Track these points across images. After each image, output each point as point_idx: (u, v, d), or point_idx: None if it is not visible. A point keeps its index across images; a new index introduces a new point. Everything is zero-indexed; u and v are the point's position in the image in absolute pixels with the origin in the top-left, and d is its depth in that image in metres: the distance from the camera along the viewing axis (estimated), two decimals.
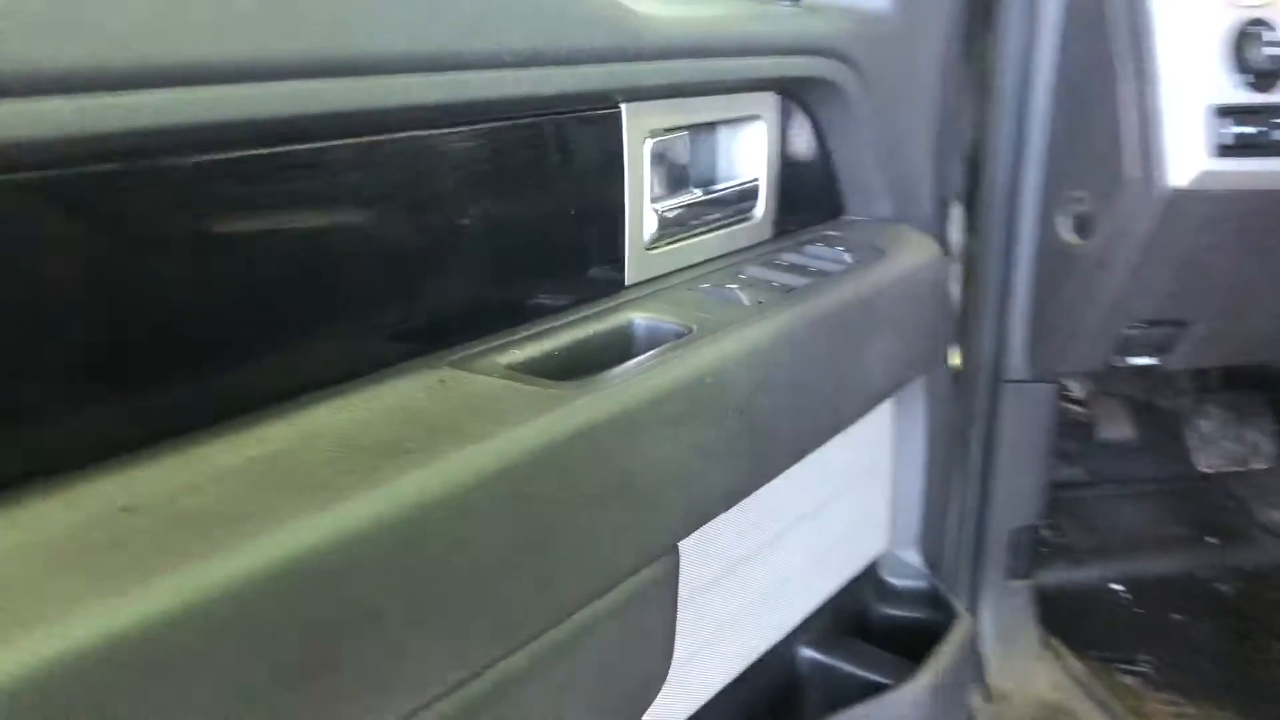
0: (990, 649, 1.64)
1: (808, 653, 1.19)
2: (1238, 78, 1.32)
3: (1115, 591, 1.89)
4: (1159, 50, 1.31)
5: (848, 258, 0.99)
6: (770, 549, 1.08)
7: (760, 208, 1.00)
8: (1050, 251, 1.48)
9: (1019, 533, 1.64)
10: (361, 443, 0.55)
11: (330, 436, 0.56)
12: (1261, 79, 1.33)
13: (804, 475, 1.10)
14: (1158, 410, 2.06)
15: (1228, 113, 1.32)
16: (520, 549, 0.57)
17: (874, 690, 1.13)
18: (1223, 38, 1.31)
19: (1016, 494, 1.61)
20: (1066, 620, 1.74)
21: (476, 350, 0.69)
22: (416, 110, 0.63)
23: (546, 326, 0.75)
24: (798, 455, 0.88)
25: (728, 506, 0.80)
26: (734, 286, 0.87)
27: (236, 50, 0.52)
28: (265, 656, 0.45)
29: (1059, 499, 1.96)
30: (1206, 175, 1.32)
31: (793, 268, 0.94)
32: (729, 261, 0.95)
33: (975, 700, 1.60)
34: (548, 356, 0.72)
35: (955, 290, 1.52)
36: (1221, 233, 1.41)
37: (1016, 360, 1.54)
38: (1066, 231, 1.46)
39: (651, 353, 0.74)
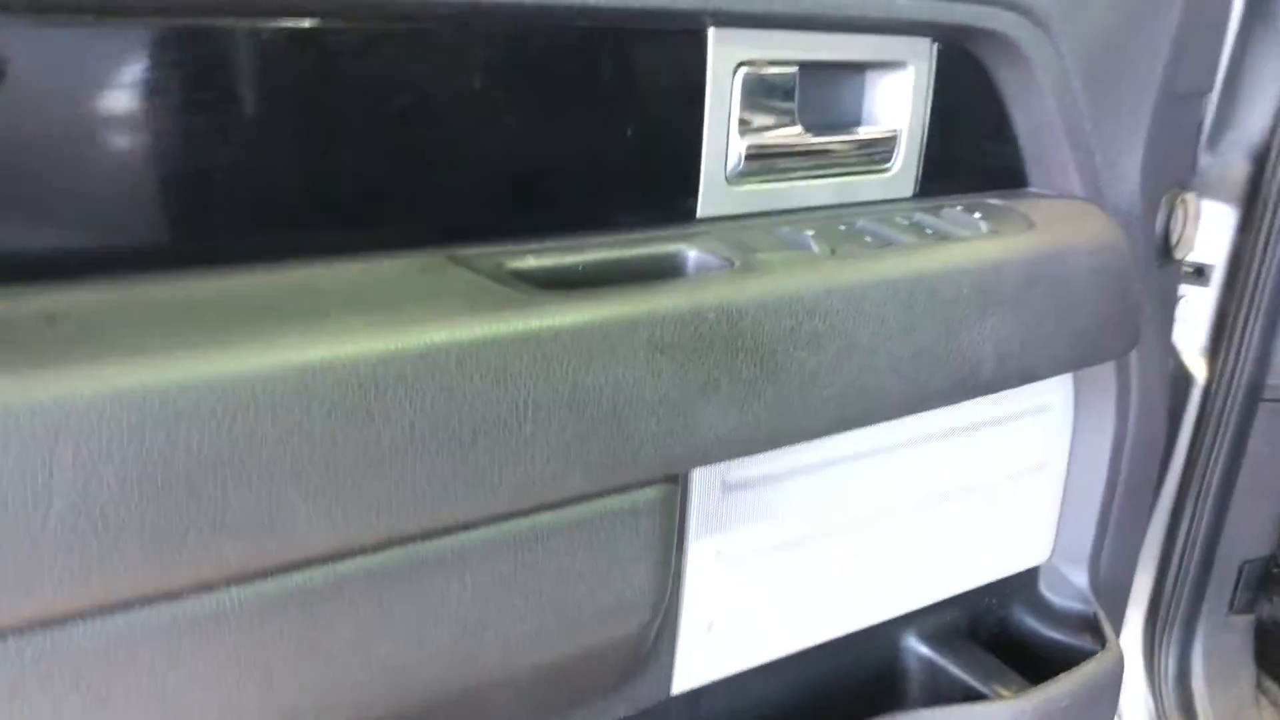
0: (1199, 684, 1.50)
1: (915, 644, 1.15)
2: None
3: None
4: None
5: (983, 226, 0.93)
6: (887, 524, 1.06)
7: (898, 162, 0.96)
8: None
9: (1251, 564, 1.48)
10: (287, 305, 0.62)
11: (280, 290, 0.64)
12: None
13: (941, 457, 1.07)
14: None
15: None
16: (436, 438, 0.62)
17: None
18: None
19: (1255, 523, 1.45)
20: None
21: (494, 250, 0.74)
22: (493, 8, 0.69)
23: (585, 242, 0.78)
24: (854, 422, 0.86)
25: (741, 453, 0.80)
26: (811, 233, 0.85)
27: None
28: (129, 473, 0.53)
29: None
30: None
31: (911, 228, 0.90)
32: (839, 211, 0.92)
33: None
34: (566, 269, 0.75)
35: (1206, 299, 1.38)
36: None
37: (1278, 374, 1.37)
38: None
39: (666, 280, 0.75)
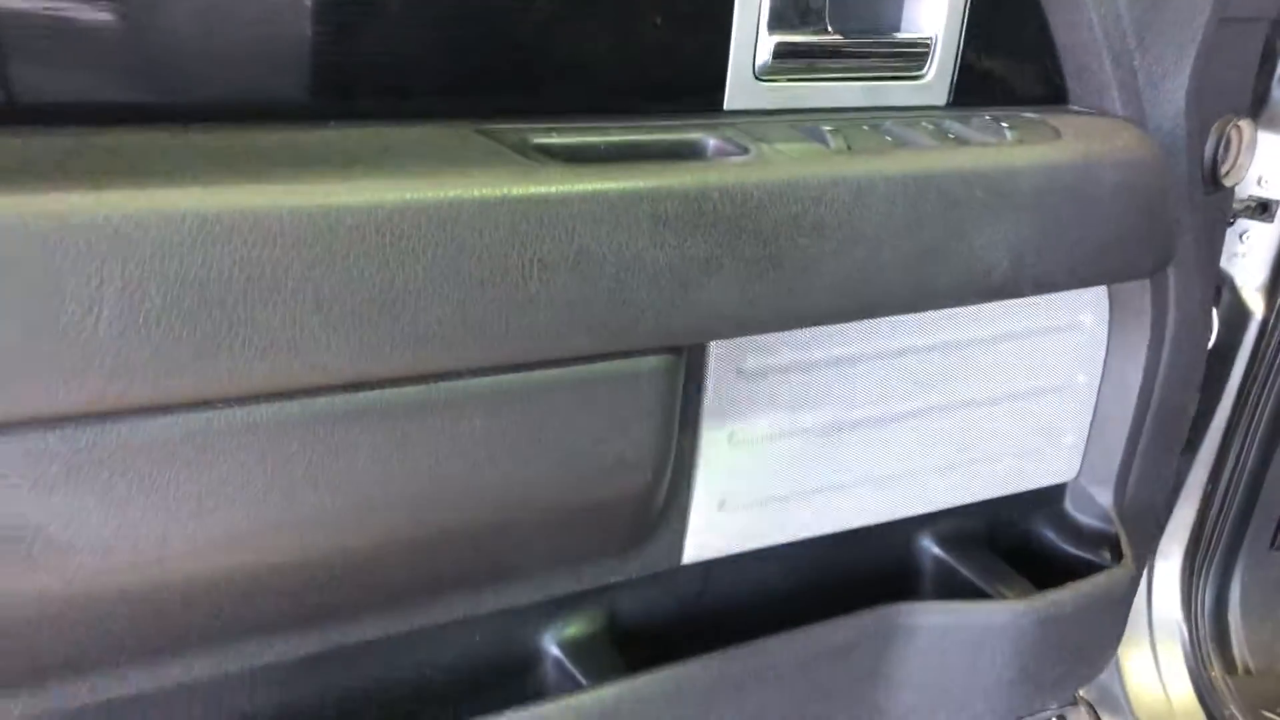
0: (1236, 621, 1.51)
1: (930, 546, 1.20)
2: None
3: None
4: None
5: (1007, 134, 0.96)
6: (907, 425, 1.10)
7: (932, 70, 0.99)
8: None
9: None
10: (321, 157, 0.70)
11: (315, 145, 0.71)
12: None
13: (966, 365, 1.11)
14: None
15: None
16: (446, 285, 0.69)
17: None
18: None
19: None
20: None
21: (522, 127, 0.80)
22: None
23: (611, 124, 0.84)
24: (858, 312, 0.90)
25: (741, 332, 0.86)
26: (830, 129, 0.89)
27: None
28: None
29: None
30: None
31: (934, 132, 0.94)
32: (868, 114, 0.96)
33: (1214, 671, 1.50)
34: (588, 148, 0.81)
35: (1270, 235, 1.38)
36: None
37: None
38: None
39: (676, 160, 0.81)
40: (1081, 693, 1.54)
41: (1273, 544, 1.52)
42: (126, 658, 0.78)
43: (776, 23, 0.90)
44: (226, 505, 0.70)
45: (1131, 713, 1.49)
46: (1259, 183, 1.38)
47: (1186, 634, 1.51)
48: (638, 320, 0.77)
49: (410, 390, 0.74)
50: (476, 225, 0.70)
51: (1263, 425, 1.43)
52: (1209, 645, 1.50)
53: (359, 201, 0.66)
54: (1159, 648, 1.53)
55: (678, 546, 1.01)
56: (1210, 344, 1.42)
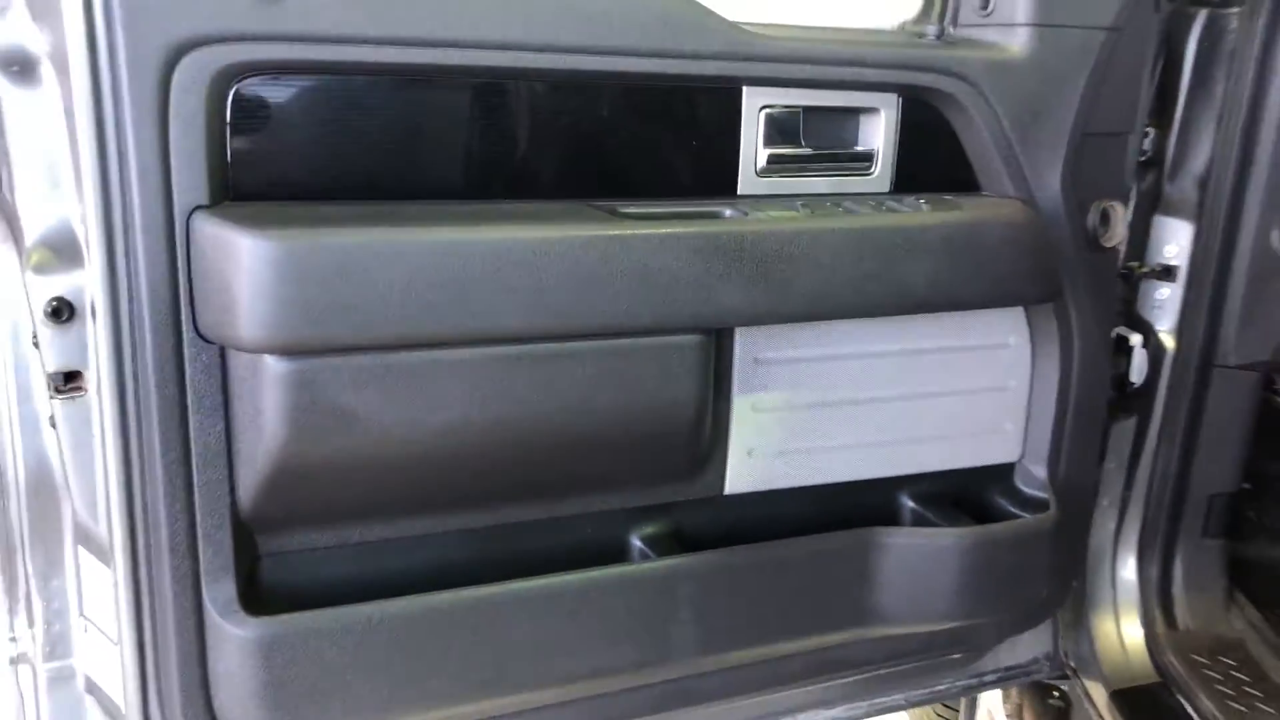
0: (1178, 591, 1.95)
1: (905, 500, 1.70)
2: None
3: None
4: None
5: (924, 207, 1.51)
6: (885, 407, 1.62)
7: (877, 169, 1.55)
8: (1261, 258, 1.78)
9: (1216, 499, 1.92)
10: (502, 216, 1.30)
11: (505, 211, 1.32)
12: None
13: (924, 366, 1.63)
14: None
15: None
16: (566, 284, 1.26)
17: None
18: None
19: (1217, 464, 1.90)
20: (1257, 585, 1.97)
21: (617, 202, 1.38)
22: (597, 75, 1.35)
23: (671, 203, 1.42)
24: (821, 315, 1.44)
25: (743, 322, 1.41)
26: (801, 204, 1.45)
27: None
28: None
29: (1271, 491, 2.13)
30: None
31: (875, 206, 1.49)
32: (834, 197, 1.52)
33: (1159, 629, 1.94)
34: (654, 213, 1.38)
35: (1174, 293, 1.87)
36: None
37: (1227, 348, 1.84)
38: (1276, 243, 1.76)
39: (705, 218, 1.39)
40: (1063, 656, 1.99)
41: (1204, 533, 1.95)
42: (396, 509, 1.35)
43: (769, 141, 1.48)
44: (450, 410, 1.27)
45: (1097, 662, 1.93)
46: (1165, 253, 1.89)
47: (1140, 604, 1.95)
48: (679, 310, 1.34)
49: (550, 345, 1.31)
50: (586, 250, 1.28)
51: (1181, 436, 1.89)
52: (1157, 611, 1.94)
53: (520, 237, 1.25)
54: (1121, 616, 1.97)
55: (720, 480, 1.54)
56: (1140, 379, 1.91)
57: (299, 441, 1.23)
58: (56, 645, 1.42)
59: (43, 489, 1.37)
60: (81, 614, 1.41)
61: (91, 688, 1.43)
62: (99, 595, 1.37)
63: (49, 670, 1.42)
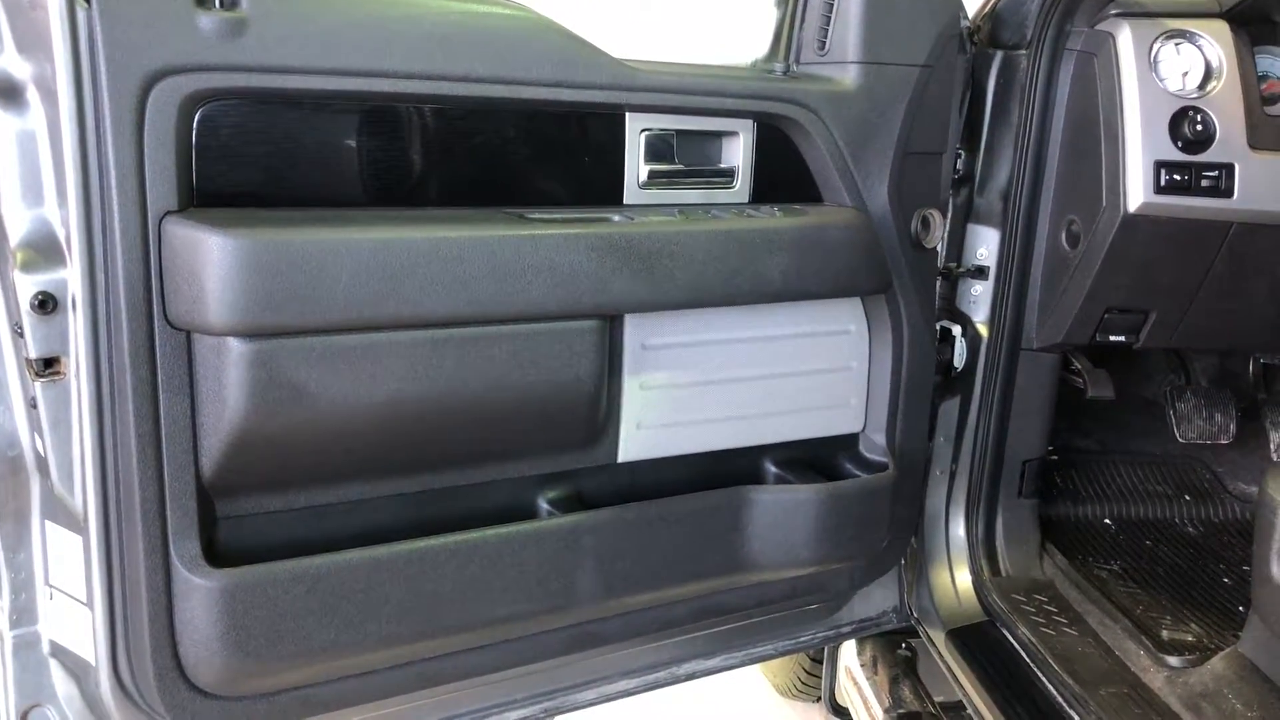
0: (1000, 544, 2.28)
1: (769, 465, 1.99)
2: (1173, 145, 1.95)
3: (1105, 524, 2.43)
4: (1127, 124, 1.97)
5: (776, 213, 1.80)
6: (749, 384, 1.90)
7: (738, 183, 1.84)
8: (1054, 256, 2.14)
9: (1028, 463, 2.27)
10: (431, 220, 1.53)
11: (432, 216, 1.55)
12: (1188, 146, 1.96)
13: (782, 349, 1.91)
14: (1151, 401, 2.58)
15: (1164, 165, 1.96)
16: (481, 274, 1.50)
17: None
18: (1166, 118, 1.95)
19: (1027, 434, 2.25)
20: (1063, 537, 2.34)
21: (523, 210, 1.63)
22: (507, 101, 1.60)
23: (569, 210, 1.67)
24: (697, 302, 1.72)
25: (636, 309, 1.68)
26: (679, 211, 1.73)
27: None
28: None
29: (1072, 460, 2.54)
30: (1149, 205, 1.96)
31: (736, 212, 1.78)
32: (704, 206, 1.80)
33: (985, 576, 2.26)
34: (556, 218, 1.63)
35: (985, 288, 2.21)
36: (1164, 247, 2.02)
37: (1030, 334, 2.19)
38: (1064, 243, 2.12)
39: (600, 223, 1.65)
40: (909, 609, 2.30)
41: (1019, 494, 2.30)
42: (339, 475, 1.56)
43: (649, 158, 1.75)
44: (386, 386, 1.49)
45: (936, 610, 2.24)
46: (978, 255, 2.23)
47: (969, 556, 2.27)
48: (580, 299, 1.59)
49: (471, 329, 1.55)
50: (498, 247, 1.52)
51: (995, 410, 2.23)
52: (983, 561, 2.26)
53: (445, 235, 1.49)
54: (954, 567, 2.28)
55: (614, 449, 1.79)
56: (961, 363, 2.25)
57: (256, 415, 1.44)
58: (22, 614, 1.57)
59: (10, 472, 1.53)
60: (47, 583, 1.57)
61: (56, 651, 1.58)
62: (67, 565, 1.53)
63: (14, 637, 1.57)
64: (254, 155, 1.47)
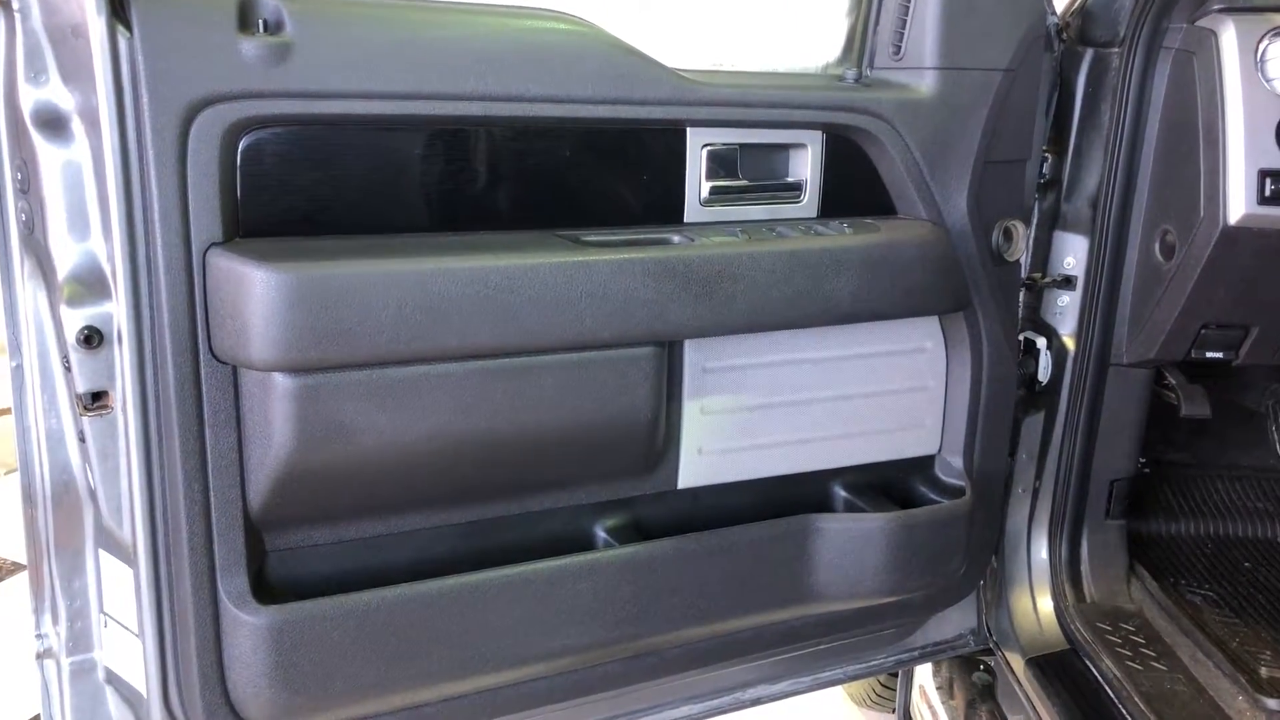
0: (1085, 568, 2.17)
1: (839, 490, 1.91)
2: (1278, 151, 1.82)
3: (1199, 544, 2.29)
4: (1229, 128, 1.84)
5: (846, 229, 1.71)
6: (819, 406, 1.82)
7: (806, 197, 1.76)
8: (1146, 267, 2.02)
9: (1116, 483, 2.15)
10: (478, 245, 1.47)
11: (480, 241, 1.49)
12: None
13: (853, 370, 1.83)
14: (1251, 412, 2.40)
15: (1270, 174, 1.82)
16: (537, 304, 1.45)
17: None
18: (1274, 123, 1.81)
19: (1115, 452, 2.13)
20: (1153, 559, 2.22)
21: (580, 231, 1.57)
22: (562, 120, 1.54)
23: (628, 230, 1.61)
24: (760, 326, 1.64)
25: (695, 334, 1.60)
26: (740, 230, 1.65)
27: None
28: None
29: (1164, 474, 2.40)
30: (1252, 217, 1.83)
31: (803, 229, 1.69)
32: (769, 223, 1.72)
33: (1067, 601, 2.15)
34: (612, 241, 1.56)
35: (1073, 299, 2.10)
36: (1268, 260, 1.88)
37: (1120, 348, 2.07)
38: (1157, 254, 2.00)
39: (655, 244, 1.58)
40: (986, 631, 2.20)
41: (1106, 515, 2.18)
42: (388, 507, 1.52)
43: (710, 174, 1.68)
44: (435, 418, 1.45)
45: (1015, 635, 2.14)
46: (1064, 264, 2.11)
47: (1052, 580, 2.17)
48: (634, 326, 1.53)
49: (522, 359, 1.49)
50: (552, 274, 1.47)
51: (1082, 427, 2.12)
52: (1066, 586, 2.16)
53: (493, 264, 1.44)
54: (1035, 592, 2.18)
55: (674, 476, 1.73)
56: (1046, 378, 2.14)
57: (303, 449, 1.40)
58: (78, 641, 1.57)
59: (66, 499, 1.52)
60: (102, 611, 1.56)
61: (111, 678, 1.58)
62: (119, 593, 1.52)
63: (72, 664, 1.57)
64: (300, 183, 1.43)
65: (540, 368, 1.51)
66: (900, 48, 1.81)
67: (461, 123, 1.50)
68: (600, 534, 1.72)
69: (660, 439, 1.68)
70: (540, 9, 1.55)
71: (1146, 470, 2.39)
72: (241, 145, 1.38)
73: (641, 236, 1.61)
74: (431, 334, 1.41)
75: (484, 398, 1.48)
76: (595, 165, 1.62)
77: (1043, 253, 2.12)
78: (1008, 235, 1.90)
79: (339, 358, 1.38)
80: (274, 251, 1.37)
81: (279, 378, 1.37)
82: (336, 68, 1.39)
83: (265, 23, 1.37)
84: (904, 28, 1.80)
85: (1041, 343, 2.13)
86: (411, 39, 1.44)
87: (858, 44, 1.84)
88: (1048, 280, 2.11)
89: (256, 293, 1.33)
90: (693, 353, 1.68)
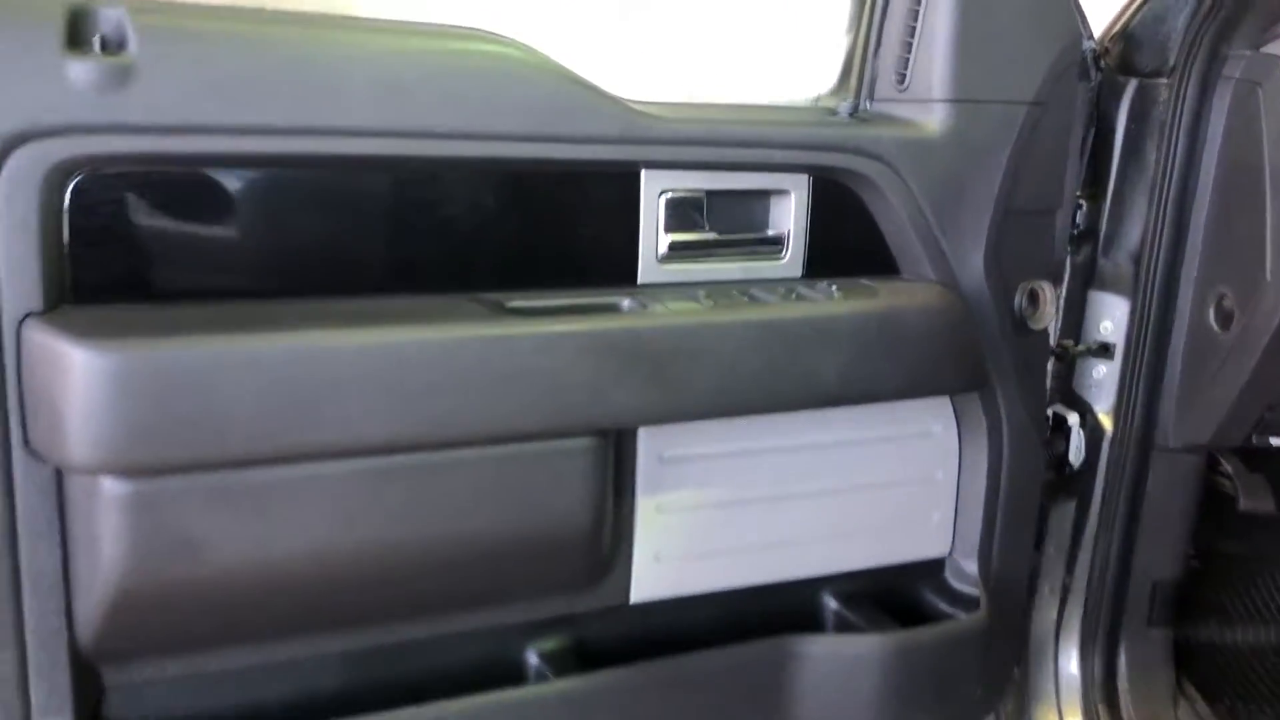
0: (1123, 684, 1.85)
1: (828, 600, 1.60)
2: None
3: (1260, 655, 1.95)
4: None
5: (835, 293, 1.42)
6: (803, 504, 1.52)
7: (788, 253, 1.46)
8: (1198, 336, 1.70)
9: (1160, 584, 1.83)
10: (366, 315, 1.18)
11: (373, 309, 1.20)
12: None
13: (842, 459, 1.53)
14: None
15: None
16: (436, 386, 1.16)
17: None
18: None
19: (1160, 549, 1.81)
20: (1205, 674, 1.88)
21: (505, 295, 1.28)
22: (484, 161, 1.26)
23: (565, 293, 1.32)
24: (726, 411, 1.34)
25: (645, 422, 1.31)
26: (703, 293, 1.36)
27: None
28: None
29: (1220, 572, 2.05)
30: None
31: (784, 294, 1.40)
32: (741, 284, 1.43)
33: None
34: (545, 307, 1.28)
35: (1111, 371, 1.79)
36: None
37: (1166, 430, 1.76)
38: (1211, 321, 1.69)
39: (594, 312, 1.29)
40: None
41: (1148, 622, 1.86)
42: (258, 633, 1.23)
43: (670, 226, 1.39)
44: (313, 529, 1.17)
45: None
46: (1101, 329, 1.81)
47: (1084, 698, 1.85)
48: (566, 412, 1.24)
49: (425, 455, 1.20)
50: (463, 353, 1.18)
51: (1120, 521, 1.80)
52: (1101, 706, 1.84)
53: (378, 341, 1.15)
54: (1064, 711, 1.87)
55: (624, 588, 1.43)
56: (1079, 460, 1.83)
57: (143, 569, 1.12)
58: None
59: None
60: None
61: None
62: None
63: None
64: (144, 237, 1.16)
65: (449, 465, 1.23)
66: (905, 76, 1.51)
67: (354, 163, 1.22)
68: (533, 660, 1.42)
69: (606, 544, 1.39)
70: (460, 27, 1.27)
71: (1195, 564, 2.06)
72: (69, 190, 1.11)
73: (581, 302, 1.32)
74: (305, 427, 1.13)
75: (375, 502, 1.20)
76: (525, 215, 1.34)
77: (1076, 316, 1.81)
78: (1033, 299, 1.60)
79: (184, 458, 1.10)
80: (104, 324, 1.09)
81: (107, 482, 1.10)
82: (193, 95, 1.12)
83: (103, 39, 1.10)
84: (910, 52, 1.50)
85: (1073, 419, 1.82)
86: (292, 60, 1.16)
87: (855, 71, 1.55)
88: (1081, 348, 1.80)
89: (75, 377, 1.05)
90: (647, 440, 1.40)
